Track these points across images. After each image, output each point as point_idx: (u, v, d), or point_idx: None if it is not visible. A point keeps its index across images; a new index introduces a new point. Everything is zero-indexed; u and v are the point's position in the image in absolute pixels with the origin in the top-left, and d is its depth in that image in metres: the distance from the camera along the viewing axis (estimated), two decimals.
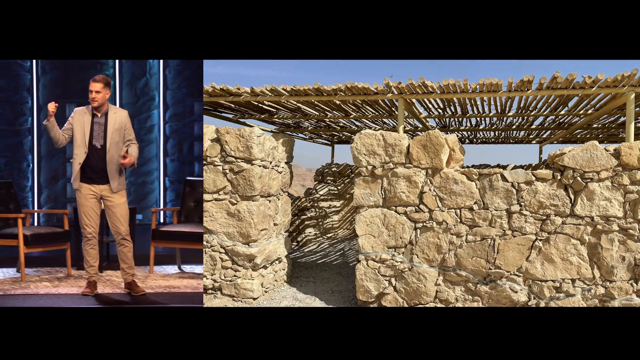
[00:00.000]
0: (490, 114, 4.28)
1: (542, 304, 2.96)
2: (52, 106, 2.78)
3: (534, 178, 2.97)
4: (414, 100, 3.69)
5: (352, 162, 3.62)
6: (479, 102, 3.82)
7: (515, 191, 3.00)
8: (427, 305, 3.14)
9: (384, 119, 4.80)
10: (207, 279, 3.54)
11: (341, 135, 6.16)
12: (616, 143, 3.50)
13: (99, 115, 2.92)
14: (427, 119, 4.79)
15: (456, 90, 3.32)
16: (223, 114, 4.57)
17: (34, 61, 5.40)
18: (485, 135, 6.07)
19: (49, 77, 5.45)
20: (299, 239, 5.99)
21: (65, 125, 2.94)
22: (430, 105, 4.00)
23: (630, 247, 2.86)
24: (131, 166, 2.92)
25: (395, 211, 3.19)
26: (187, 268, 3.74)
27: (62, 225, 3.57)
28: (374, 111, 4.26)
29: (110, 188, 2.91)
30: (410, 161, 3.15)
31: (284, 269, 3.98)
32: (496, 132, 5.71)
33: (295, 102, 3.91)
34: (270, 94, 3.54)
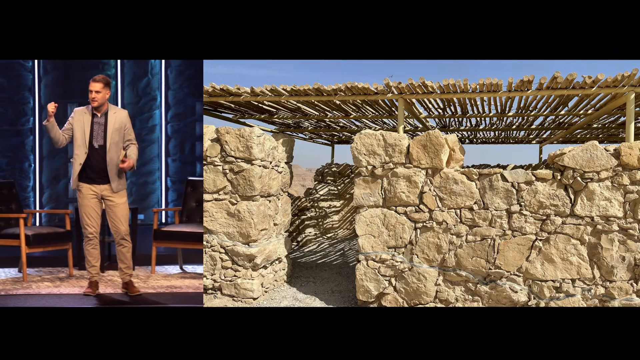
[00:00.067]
0: (490, 114, 4.27)
1: (542, 304, 2.97)
2: (51, 106, 2.79)
3: (534, 178, 2.97)
4: (414, 100, 3.69)
5: (352, 162, 3.63)
6: (479, 102, 3.81)
7: (515, 191, 3.00)
8: (427, 305, 3.14)
9: (384, 119, 4.80)
10: (207, 279, 3.55)
11: (341, 135, 6.16)
12: (616, 143, 3.49)
13: (99, 115, 2.93)
14: (427, 119, 4.79)
15: (456, 90, 3.32)
16: (223, 114, 4.58)
17: (36, 61, 5.42)
18: (485, 135, 6.07)
19: (50, 77, 5.46)
20: (299, 239, 5.99)
21: (65, 125, 2.95)
22: (430, 105, 4.00)
23: (630, 247, 2.85)
24: (130, 169, 2.93)
25: (395, 211, 3.19)
26: (189, 268, 3.74)
27: (63, 225, 3.59)
28: (374, 111, 4.26)
29: (111, 188, 2.92)
30: (410, 161, 3.16)
31: (284, 269, 3.99)
32: (496, 132, 5.71)
33: (295, 102, 3.92)
34: (270, 94, 3.54)
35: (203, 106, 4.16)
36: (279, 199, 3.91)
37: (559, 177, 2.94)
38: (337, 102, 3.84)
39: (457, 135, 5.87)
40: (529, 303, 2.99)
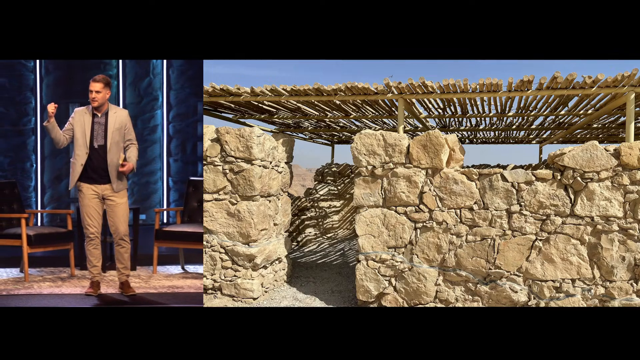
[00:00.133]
0: (490, 114, 4.27)
1: (542, 304, 2.97)
2: (51, 107, 2.80)
3: (534, 178, 2.97)
4: (414, 100, 3.69)
5: (352, 162, 3.63)
6: (479, 102, 3.81)
7: (515, 191, 3.00)
8: (427, 305, 3.15)
9: (384, 119, 4.80)
10: (207, 279, 3.55)
11: (341, 135, 6.16)
12: (616, 143, 3.49)
13: (99, 115, 2.94)
14: (427, 119, 4.79)
15: (456, 90, 3.33)
16: (223, 114, 4.58)
17: (38, 61, 5.43)
18: (485, 135, 6.07)
19: (52, 77, 5.48)
20: (299, 239, 6.00)
21: (65, 125, 2.96)
22: (430, 105, 4.00)
23: (630, 247, 2.85)
24: (130, 172, 2.93)
25: (395, 211, 3.19)
26: (191, 268, 3.75)
27: (65, 225, 3.61)
28: (374, 111, 4.26)
29: (112, 188, 2.93)
30: (410, 161, 3.16)
31: (284, 269, 3.99)
32: (496, 132, 5.70)
33: (295, 102, 3.92)
34: (270, 94, 3.55)
35: (203, 106, 4.17)
36: (279, 199, 3.92)
37: (559, 177, 2.94)
38: (337, 102, 3.85)
39: (457, 135, 5.87)
40: (529, 303, 2.99)
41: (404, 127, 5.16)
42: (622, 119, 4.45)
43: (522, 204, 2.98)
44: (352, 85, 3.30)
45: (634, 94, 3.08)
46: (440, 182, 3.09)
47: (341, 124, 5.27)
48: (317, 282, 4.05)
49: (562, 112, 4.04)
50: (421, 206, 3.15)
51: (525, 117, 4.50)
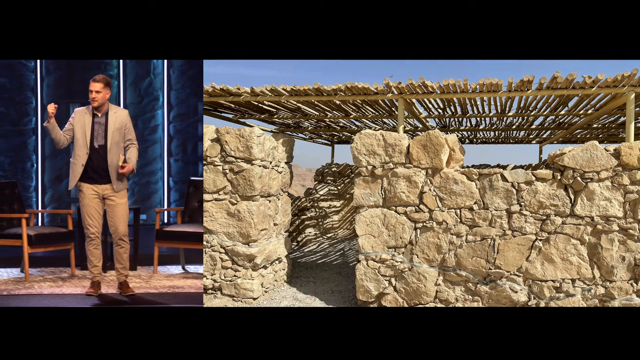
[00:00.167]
0: (490, 114, 4.27)
1: (542, 304, 2.97)
2: (51, 107, 2.80)
3: (534, 178, 2.97)
4: (414, 100, 3.70)
5: (352, 162, 3.64)
6: (479, 102, 3.81)
7: (515, 191, 3.00)
8: (427, 305, 3.15)
9: (384, 119, 4.81)
10: (207, 279, 3.56)
11: (341, 135, 6.17)
12: (616, 143, 3.49)
13: (100, 115, 2.94)
14: (427, 119, 4.79)
15: (456, 90, 3.33)
16: (223, 114, 4.59)
17: (38, 61, 5.44)
18: (485, 135, 6.07)
19: (53, 77, 5.48)
20: (299, 239, 6.00)
21: (66, 126, 2.96)
22: (430, 105, 4.00)
23: (630, 247, 2.85)
24: (130, 173, 2.94)
25: (395, 211, 3.19)
26: (191, 268, 3.75)
27: (66, 225, 3.60)
28: (374, 111, 4.27)
29: (112, 188, 2.94)
30: (410, 161, 3.16)
31: (284, 269, 4.00)
32: (496, 132, 5.70)
33: (295, 102, 3.93)
34: (270, 94, 3.55)
35: (203, 106, 4.18)
36: (279, 199, 3.92)
37: (559, 177, 2.94)
38: (337, 102, 3.85)
39: (457, 135, 5.87)
40: (529, 303, 2.99)
41: (404, 127, 5.15)
42: (622, 119, 4.45)
43: (522, 204, 2.98)
44: (352, 85, 3.30)
45: (634, 94, 3.07)
46: (440, 182, 3.10)
47: (341, 124, 5.27)
48: (317, 282, 4.05)
49: (562, 112, 4.04)
50: (421, 206, 3.15)
51: (525, 117, 4.50)
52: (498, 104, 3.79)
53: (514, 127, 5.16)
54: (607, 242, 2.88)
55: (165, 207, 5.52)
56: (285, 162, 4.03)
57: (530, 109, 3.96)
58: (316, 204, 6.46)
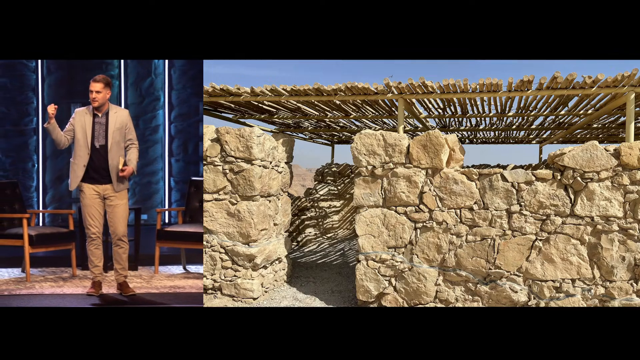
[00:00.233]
0: (490, 114, 4.27)
1: (542, 304, 2.97)
2: (51, 108, 2.80)
3: (534, 178, 2.97)
4: (414, 100, 3.70)
5: (352, 162, 3.64)
6: (479, 102, 3.82)
7: (515, 191, 3.00)
8: (427, 305, 3.15)
9: (384, 119, 4.81)
10: (207, 279, 3.56)
11: (341, 135, 6.17)
12: (616, 143, 3.49)
13: (100, 115, 2.95)
14: (427, 119, 4.79)
15: (456, 90, 3.33)
16: (223, 114, 4.59)
17: (39, 61, 5.45)
18: (485, 135, 6.06)
19: (54, 77, 5.49)
20: (299, 239, 6.01)
21: (66, 126, 2.97)
22: (430, 105, 4.00)
23: (630, 247, 2.85)
24: (130, 175, 2.94)
25: (395, 211, 3.20)
26: (192, 268, 3.76)
27: (67, 225, 3.61)
28: (374, 111, 4.27)
29: (113, 188, 2.94)
30: (410, 161, 3.16)
31: (284, 269, 4.00)
32: (496, 132, 5.70)
33: (295, 102, 3.93)
34: (270, 94, 3.56)
35: (203, 106, 4.18)
36: (279, 199, 3.93)
37: (559, 177, 2.94)
38: (337, 102, 3.85)
39: (457, 135, 5.87)
40: (529, 303, 2.99)
41: (404, 127, 5.16)
42: (622, 119, 4.44)
43: (522, 204, 2.98)
44: (352, 85, 3.31)
45: (634, 94, 3.07)
46: (440, 182, 3.10)
47: (341, 124, 5.27)
48: (317, 282, 4.05)
49: (562, 112, 4.04)
50: (421, 206, 3.15)
51: (525, 117, 4.50)
52: (498, 104, 3.79)
53: (514, 127, 5.16)
54: (607, 242, 2.88)
55: (167, 207, 5.53)
56: (285, 162, 4.03)
57: (530, 109, 3.96)
58: (316, 204, 6.47)
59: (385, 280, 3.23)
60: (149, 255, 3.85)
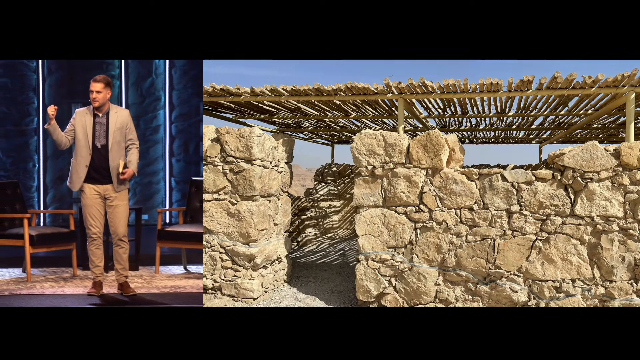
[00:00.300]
0: (490, 114, 4.27)
1: (542, 304, 2.97)
2: (51, 109, 2.80)
3: (534, 178, 2.97)
4: (414, 100, 3.70)
5: (352, 162, 3.64)
6: (479, 102, 3.81)
7: (515, 191, 3.00)
8: (427, 305, 3.15)
9: (384, 119, 4.81)
10: (207, 279, 3.57)
11: (341, 135, 6.17)
12: (616, 143, 3.49)
13: (101, 115, 2.95)
14: (427, 119, 4.79)
15: (456, 90, 3.33)
16: (223, 114, 4.60)
17: (40, 61, 5.45)
18: (485, 135, 6.06)
19: (54, 77, 5.50)
20: (299, 239, 6.01)
21: (67, 127, 2.97)
22: (430, 105, 4.00)
23: (630, 247, 2.85)
24: (131, 177, 2.95)
25: (395, 211, 3.20)
26: (193, 268, 3.76)
27: (67, 225, 3.61)
28: (374, 111, 4.27)
29: (114, 188, 2.95)
30: (410, 161, 3.16)
31: (284, 269, 4.01)
32: (496, 132, 5.70)
33: (295, 102, 3.93)
34: (270, 94, 3.56)
35: (203, 106, 4.19)
36: (279, 199, 3.93)
37: (559, 177, 2.94)
38: (337, 102, 3.85)
39: (457, 135, 5.87)
40: (529, 303, 2.99)
41: (404, 127, 5.16)
42: (622, 119, 4.44)
43: (522, 204, 2.98)
44: (352, 85, 3.31)
45: (634, 94, 3.07)
46: (440, 182, 3.10)
47: (341, 124, 5.28)
48: (317, 282, 4.05)
49: (562, 112, 4.04)
50: (421, 206, 3.15)
51: (525, 117, 4.50)
52: (498, 104, 3.79)
53: (514, 127, 5.15)
54: (607, 242, 2.88)
55: (167, 207, 5.53)
56: (285, 162, 4.04)
57: (530, 109, 3.96)
58: (316, 204, 6.47)
59: (385, 280, 3.23)
60: (150, 255, 3.85)
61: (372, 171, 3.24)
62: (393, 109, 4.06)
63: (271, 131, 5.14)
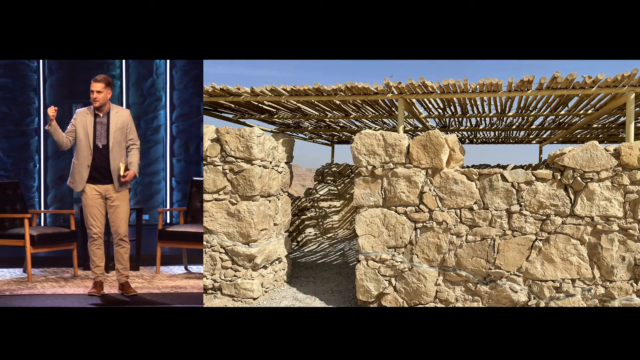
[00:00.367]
0: (490, 114, 4.27)
1: (542, 304, 2.97)
2: (52, 110, 2.80)
3: (534, 178, 2.97)
4: (414, 100, 3.70)
5: (352, 162, 3.64)
6: (479, 102, 3.82)
7: (515, 191, 3.00)
8: (427, 305, 3.15)
9: (384, 119, 4.81)
10: (207, 279, 3.57)
11: (341, 135, 6.17)
12: (616, 143, 3.49)
13: (101, 115, 2.95)
14: (427, 119, 4.79)
15: (456, 90, 3.33)
16: (223, 114, 4.60)
17: (41, 61, 5.46)
18: (485, 135, 6.06)
19: (55, 77, 5.50)
20: (299, 239, 6.01)
21: (68, 127, 2.98)
22: (430, 105, 4.00)
23: (630, 247, 2.85)
24: (132, 179, 2.95)
25: (395, 211, 3.20)
26: (194, 268, 3.77)
27: (68, 225, 3.62)
28: (374, 111, 4.27)
29: (114, 188, 2.95)
30: (410, 161, 3.17)
31: (284, 269, 4.01)
32: (496, 132, 5.70)
33: (295, 102, 3.94)
34: (270, 94, 3.56)
35: (203, 106, 4.19)
36: (279, 199, 3.93)
37: (559, 177, 2.94)
38: (337, 102, 3.86)
39: (457, 135, 5.87)
40: (529, 303, 2.99)
41: (404, 127, 5.16)
42: (622, 119, 4.44)
43: (522, 204, 2.99)
44: (352, 85, 3.31)
45: (634, 94, 3.07)
46: (440, 182, 3.10)
47: (341, 124, 5.28)
48: (317, 282, 4.06)
49: (562, 112, 4.04)
50: (421, 206, 3.16)
51: (525, 117, 4.50)
52: (498, 104, 3.79)
53: (514, 127, 5.15)
54: (607, 242, 2.88)
55: (168, 207, 5.54)
56: (285, 162, 4.04)
57: (530, 109, 3.96)
58: (316, 204, 6.47)
59: (385, 280, 3.23)
60: (151, 256, 3.86)
61: (372, 171, 3.24)
62: (393, 109, 4.06)
63: (271, 131, 5.14)
